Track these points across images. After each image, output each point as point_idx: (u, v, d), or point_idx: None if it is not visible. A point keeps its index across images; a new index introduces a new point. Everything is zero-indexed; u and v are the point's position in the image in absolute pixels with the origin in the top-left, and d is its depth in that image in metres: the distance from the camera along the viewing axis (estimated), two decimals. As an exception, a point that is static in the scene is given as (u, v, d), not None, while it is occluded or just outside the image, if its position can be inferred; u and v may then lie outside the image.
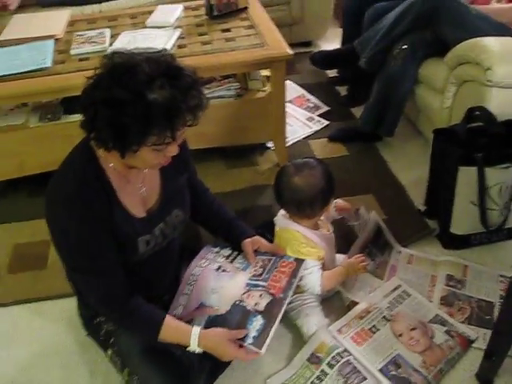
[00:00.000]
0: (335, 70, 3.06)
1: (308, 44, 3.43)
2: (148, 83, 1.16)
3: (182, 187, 1.56)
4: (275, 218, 1.75)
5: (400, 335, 1.65)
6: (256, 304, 1.47)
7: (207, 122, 2.22)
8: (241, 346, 1.41)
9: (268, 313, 1.45)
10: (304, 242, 1.65)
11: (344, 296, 1.79)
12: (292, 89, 2.92)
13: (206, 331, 1.42)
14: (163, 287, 1.61)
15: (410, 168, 2.37)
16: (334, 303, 1.80)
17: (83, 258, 1.35)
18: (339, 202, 1.83)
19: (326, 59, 2.81)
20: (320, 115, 2.75)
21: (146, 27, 2.33)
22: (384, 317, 1.70)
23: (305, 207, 1.62)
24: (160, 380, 1.40)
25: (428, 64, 2.31)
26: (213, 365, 1.52)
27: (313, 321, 1.67)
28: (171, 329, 1.42)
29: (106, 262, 1.36)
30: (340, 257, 1.84)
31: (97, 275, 1.37)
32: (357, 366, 1.56)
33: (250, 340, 1.39)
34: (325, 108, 2.81)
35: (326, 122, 2.70)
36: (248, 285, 1.53)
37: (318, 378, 1.56)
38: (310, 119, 2.72)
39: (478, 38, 2.00)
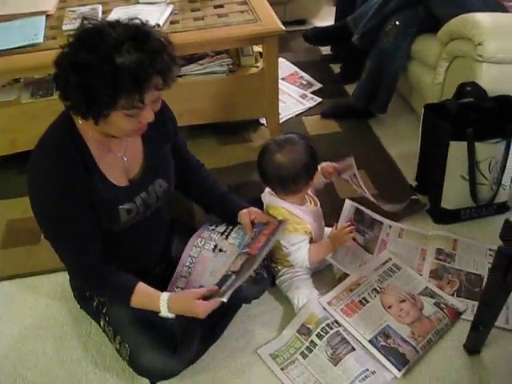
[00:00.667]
0: (329, 48, 3.06)
1: (302, 22, 3.42)
2: (115, 47, 1.17)
3: (165, 157, 1.56)
4: (262, 195, 1.75)
5: (389, 307, 1.67)
6: (236, 268, 1.48)
7: (200, 98, 2.28)
8: None
9: (241, 270, 1.45)
10: (290, 218, 1.65)
11: (335, 268, 1.82)
12: (285, 66, 2.92)
13: (174, 295, 1.44)
14: (153, 258, 1.63)
15: (402, 144, 2.38)
16: (325, 276, 1.82)
17: (56, 223, 1.36)
18: (324, 164, 1.79)
19: (319, 36, 2.81)
20: (313, 92, 2.76)
21: (138, 3, 2.32)
22: (374, 289, 1.72)
23: (289, 184, 1.61)
24: (149, 348, 1.43)
25: (420, 40, 2.31)
26: (204, 333, 1.55)
27: (303, 293, 1.69)
28: (142, 295, 1.43)
29: (80, 228, 1.37)
30: (329, 230, 1.85)
31: (70, 241, 1.38)
32: (346, 337, 1.59)
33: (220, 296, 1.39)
34: (318, 85, 2.81)
35: (319, 99, 2.70)
36: (237, 256, 1.54)
37: (308, 348, 1.59)
38: (303, 96, 2.72)
39: (470, 14, 2.00)
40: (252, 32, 2.10)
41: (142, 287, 1.44)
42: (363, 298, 1.70)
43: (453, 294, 1.73)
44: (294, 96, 2.72)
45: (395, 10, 2.27)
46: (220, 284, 1.44)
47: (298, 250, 1.64)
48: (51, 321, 1.75)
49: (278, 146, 1.62)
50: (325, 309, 1.67)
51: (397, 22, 2.25)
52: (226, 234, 1.64)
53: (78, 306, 1.66)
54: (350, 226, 1.64)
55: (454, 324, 1.65)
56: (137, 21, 1.25)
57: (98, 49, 1.16)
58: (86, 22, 1.24)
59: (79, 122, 1.32)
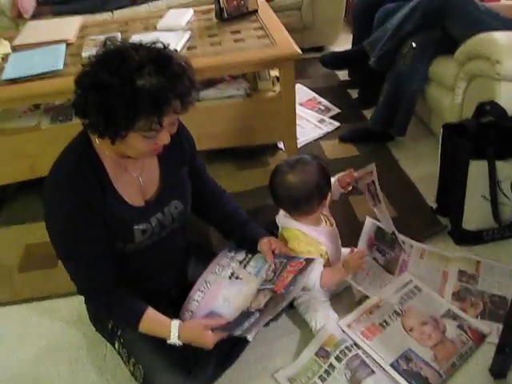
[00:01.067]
0: (347, 74, 3.07)
1: (320, 49, 3.45)
2: (137, 69, 1.18)
3: (182, 179, 1.56)
4: (276, 217, 1.73)
5: (411, 330, 1.62)
6: (259, 304, 1.46)
7: (217, 123, 2.29)
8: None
9: (266, 308, 1.43)
10: (304, 240, 1.62)
11: (354, 291, 1.77)
12: (303, 92, 2.93)
13: (186, 323, 1.44)
14: (168, 281, 1.62)
15: (422, 167, 2.35)
16: (344, 299, 1.78)
17: (70, 243, 1.36)
18: (341, 174, 1.78)
19: (335, 60, 2.82)
20: (331, 117, 2.75)
21: (156, 30, 2.37)
22: (395, 312, 1.68)
23: (301, 204, 1.59)
24: (164, 369, 1.41)
25: (438, 62, 2.30)
26: (221, 357, 1.52)
27: (321, 315, 1.66)
28: (152, 321, 1.42)
29: (93, 248, 1.37)
30: (346, 251, 1.82)
31: (82, 261, 1.38)
32: (365, 360, 1.54)
33: (239, 331, 1.37)
34: (336, 110, 2.81)
35: (337, 124, 2.70)
36: (258, 290, 1.52)
37: (326, 371, 1.54)
38: (321, 121, 2.72)
39: (487, 33, 1.99)
40: (268, 56, 2.11)
41: (151, 312, 1.43)
42: (384, 321, 1.65)
43: (477, 317, 1.68)
44: (312, 121, 2.72)
45: (412, 32, 2.27)
46: (240, 321, 1.41)
47: (310, 271, 1.60)
48: (66, 344, 1.74)
49: (290, 167, 1.61)
50: (344, 332, 1.62)
51: (413, 45, 2.25)
52: (244, 262, 1.62)
53: (94, 329, 1.65)
54: (362, 252, 1.62)
55: (478, 347, 1.59)
56: (159, 44, 1.26)
57: (120, 70, 1.18)
58: (108, 43, 1.26)
59: (96, 141, 1.33)
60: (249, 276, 1.57)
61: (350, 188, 1.80)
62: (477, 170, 1.82)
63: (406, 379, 1.50)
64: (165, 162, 1.49)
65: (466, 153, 1.82)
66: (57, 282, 1.93)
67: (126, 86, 1.17)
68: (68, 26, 2.51)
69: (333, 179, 1.72)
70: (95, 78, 1.20)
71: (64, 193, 1.32)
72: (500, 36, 1.95)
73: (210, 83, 2.28)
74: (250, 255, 1.64)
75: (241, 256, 1.64)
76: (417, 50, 2.25)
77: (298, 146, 2.43)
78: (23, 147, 2.21)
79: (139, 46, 1.24)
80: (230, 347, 1.57)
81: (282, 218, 1.70)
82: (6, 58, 2.28)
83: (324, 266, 1.64)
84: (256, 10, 2.50)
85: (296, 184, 1.57)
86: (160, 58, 1.22)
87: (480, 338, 1.61)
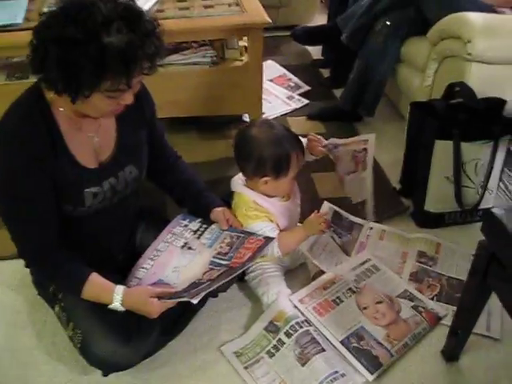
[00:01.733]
0: (320, 53, 3.00)
1: (294, 27, 3.35)
2: (104, 24, 1.10)
3: (139, 143, 1.48)
4: (232, 180, 1.66)
5: (365, 308, 1.58)
6: (210, 276, 1.40)
7: (181, 90, 2.21)
8: None
9: (217, 278, 1.37)
10: (253, 207, 1.56)
11: (310, 266, 1.72)
12: (274, 68, 2.88)
13: (131, 289, 1.37)
14: (117, 246, 1.54)
15: (389, 148, 2.30)
16: (299, 275, 1.73)
17: (13, 200, 1.27)
18: (310, 136, 1.69)
19: (307, 34, 2.75)
20: (300, 94, 2.70)
21: (122, -10, 2.26)
22: (350, 289, 1.63)
23: (264, 164, 1.51)
24: (102, 335, 1.34)
25: (410, 42, 2.25)
26: (165, 326, 1.45)
27: (273, 290, 1.59)
28: (95, 285, 1.35)
29: (38, 208, 1.29)
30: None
31: (25, 222, 1.30)
32: (316, 337, 1.49)
33: (184, 297, 1.31)
34: (306, 88, 2.76)
35: (306, 101, 2.65)
36: (212, 263, 1.45)
37: (275, 347, 1.49)
38: (290, 98, 2.66)
39: (461, 13, 1.94)
40: (236, 22, 2.05)
41: (95, 277, 1.35)
42: (337, 298, 1.60)
43: (432, 298, 1.64)
44: (281, 97, 2.66)
45: (386, 9, 2.21)
46: (188, 289, 1.35)
47: (268, 249, 1.54)
48: (6, 308, 1.65)
49: (263, 124, 1.56)
50: (296, 307, 1.57)
51: (387, 22, 2.20)
52: (199, 232, 1.55)
53: (36, 293, 1.56)
54: (325, 213, 1.60)
55: (432, 329, 1.56)
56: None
57: (87, 24, 1.09)
58: None
59: (50, 95, 1.23)
60: (202, 247, 1.50)
61: (321, 156, 1.71)
62: (442, 151, 1.79)
63: (355, 357, 1.46)
64: (123, 123, 1.41)
65: (433, 132, 1.78)
66: (4, 245, 1.83)
67: (93, 42, 1.09)
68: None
69: (303, 140, 1.65)
70: (58, 31, 1.10)
71: (12, 146, 1.23)
72: (473, 16, 1.91)
73: (177, 49, 2.19)
74: (204, 225, 1.57)
75: (195, 225, 1.57)
76: (390, 28, 2.19)
77: (265, 121, 2.36)
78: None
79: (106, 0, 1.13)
80: (177, 316, 1.51)
81: (237, 182, 1.63)
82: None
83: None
84: (228, -23, 2.41)
85: (264, 140, 1.51)
86: (129, 13, 1.14)
87: (435, 319, 1.57)
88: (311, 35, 2.74)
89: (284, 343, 1.48)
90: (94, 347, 1.34)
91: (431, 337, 1.55)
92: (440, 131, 1.77)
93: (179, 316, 1.53)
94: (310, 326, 1.52)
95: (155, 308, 1.32)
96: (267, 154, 1.50)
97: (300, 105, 2.62)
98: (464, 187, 1.84)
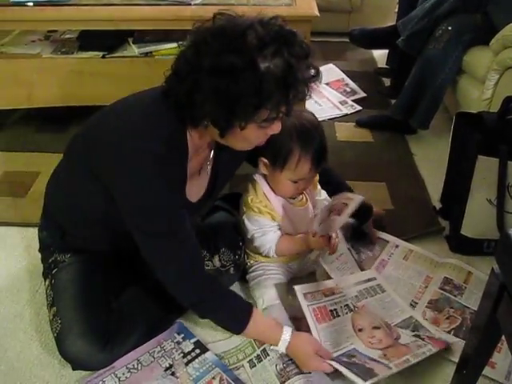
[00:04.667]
0: (385, 62, 2.83)
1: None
2: (260, 49, 1.02)
3: (228, 179, 1.46)
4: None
5: (360, 330, 1.40)
6: None
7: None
8: None
9: None
10: (260, 198, 1.44)
11: (318, 275, 1.58)
12: (333, 72, 2.78)
13: (298, 334, 1.31)
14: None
15: (439, 166, 2.08)
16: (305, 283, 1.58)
17: (164, 217, 1.18)
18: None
19: (364, 37, 2.59)
20: (354, 100, 2.57)
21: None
22: (347, 305, 1.46)
23: (268, 144, 1.30)
24: (79, 335, 1.28)
25: (474, 51, 2.05)
26: (149, 328, 1.39)
27: (270, 295, 1.46)
28: (260, 323, 1.30)
29: (186, 225, 1.22)
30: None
31: (179, 240, 1.21)
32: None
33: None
34: (362, 94, 2.63)
35: (359, 108, 2.52)
36: None
37: (258, 357, 1.36)
38: (343, 103, 2.54)
39: (529, 20, 1.74)
40: (283, 14, 1.89)
41: (257, 313, 1.32)
42: (334, 310, 1.44)
43: (450, 332, 1.44)
44: (333, 101, 2.54)
45: (449, 13, 2.03)
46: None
47: (263, 235, 1.43)
48: (3, 272, 1.65)
49: (302, 114, 1.40)
50: (299, 299, 1.40)
51: (449, 28, 2.01)
52: (189, 357, 1.37)
53: (39, 261, 1.51)
54: (334, 239, 1.40)
55: (438, 350, 1.34)
56: (277, 21, 1.09)
57: (243, 50, 1.01)
58: (219, 17, 1.08)
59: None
60: (186, 379, 1.31)
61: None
62: (485, 169, 1.59)
63: (347, 368, 1.25)
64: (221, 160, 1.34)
65: (476, 146, 1.58)
66: (20, 212, 1.87)
67: (250, 69, 1.01)
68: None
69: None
70: (217, 60, 1.02)
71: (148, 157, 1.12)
72: (542, 23, 1.70)
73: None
74: (197, 350, 1.38)
75: (188, 346, 1.39)
76: (452, 34, 2.00)
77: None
78: (22, 73, 2.16)
79: (259, 21, 1.06)
80: (163, 315, 1.44)
81: (258, 170, 1.48)
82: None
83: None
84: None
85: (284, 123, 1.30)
86: (283, 35, 1.06)
87: (440, 343, 1.37)
88: (369, 38, 2.59)
89: (268, 355, 1.35)
90: (69, 345, 1.28)
91: (438, 372, 1.35)
92: (485, 146, 1.57)
93: (166, 315, 1.45)
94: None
95: (315, 364, 1.26)
96: (276, 136, 1.31)
97: (351, 110, 2.49)
98: (508, 213, 1.62)
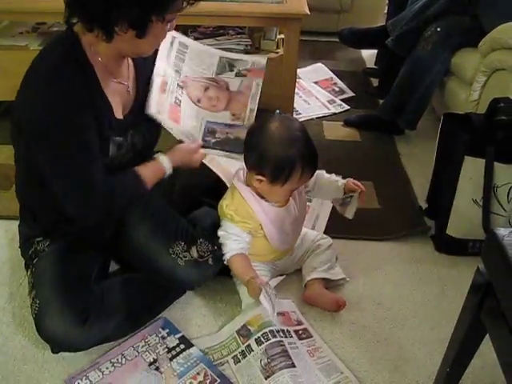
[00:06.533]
0: (373, 62, 2.85)
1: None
2: None
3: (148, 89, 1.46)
4: (237, 170, 1.49)
5: (199, 101, 1.54)
6: None
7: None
8: None
9: None
10: (236, 206, 1.41)
11: (304, 273, 1.57)
12: (322, 71, 2.78)
13: (170, 151, 1.44)
14: (111, 219, 1.43)
15: (426, 166, 2.08)
16: (292, 282, 1.58)
17: (69, 133, 1.20)
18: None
19: (354, 36, 2.60)
20: (343, 100, 2.58)
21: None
22: (178, 85, 1.53)
23: (264, 162, 1.34)
24: (56, 312, 1.28)
25: (462, 53, 2.06)
26: (132, 312, 1.38)
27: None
28: (147, 169, 1.36)
29: (91, 142, 1.23)
30: (311, 233, 1.65)
31: (83, 158, 1.23)
32: (288, 350, 1.33)
33: None
34: (350, 94, 2.63)
35: (347, 107, 2.52)
36: None
37: (242, 353, 1.36)
38: (331, 102, 2.54)
39: (516, 22, 1.75)
40: (272, 11, 1.94)
41: (140, 168, 1.36)
42: (176, 98, 1.51)
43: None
44: (322, 100, 2.54)
45: (438, 14, 2.04)
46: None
47: (227, 240, 1.41)
48: (-13, 266, 1.62)
49: (284, 121, 1.38)
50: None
51: (438, 29, 2.02)
52: (173, 352, 1.36)
53: (20, 252, 1.50)
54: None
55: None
56: None
57: None
58: None
59: (86, 38, 1.21)
60: (170, 374, 1.31)
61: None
62: (472, 169, 1.60)
63: (219, 149, 1.52)
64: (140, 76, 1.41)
65: (463, 147, 1.59)
66: (3, 205, 1.86)
67: None
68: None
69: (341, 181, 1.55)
70: None
71: (55, 81, 1.19)
72: (530, 26, 1.71)
73: (213, 35, 2.12)
74: (182, 345, 1.38)
75: (172, 341, 1.39)
76: (440, 36, 2.01)
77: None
78: (8, 65, 2.12)
79: None
80: (147, 304, 1.44)
81: (238, 174, 1.47)
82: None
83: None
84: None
85: (273, 137, 1.33)
86: None
87: (260, 72, 1.60)
88: (358, 37, 2.59)
89: (252, 350, 1.35)
90: (47, 322, 1.27)
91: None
92: (471, 147, 1.58)
93: (150, 304, 1.45)
94: (286, 337, 1.38)
95: (199, 155, 1.48)
96: (272, 153, 1.32)
97: (340, 110, 2.49)
98: (493, 214, 1.63)
